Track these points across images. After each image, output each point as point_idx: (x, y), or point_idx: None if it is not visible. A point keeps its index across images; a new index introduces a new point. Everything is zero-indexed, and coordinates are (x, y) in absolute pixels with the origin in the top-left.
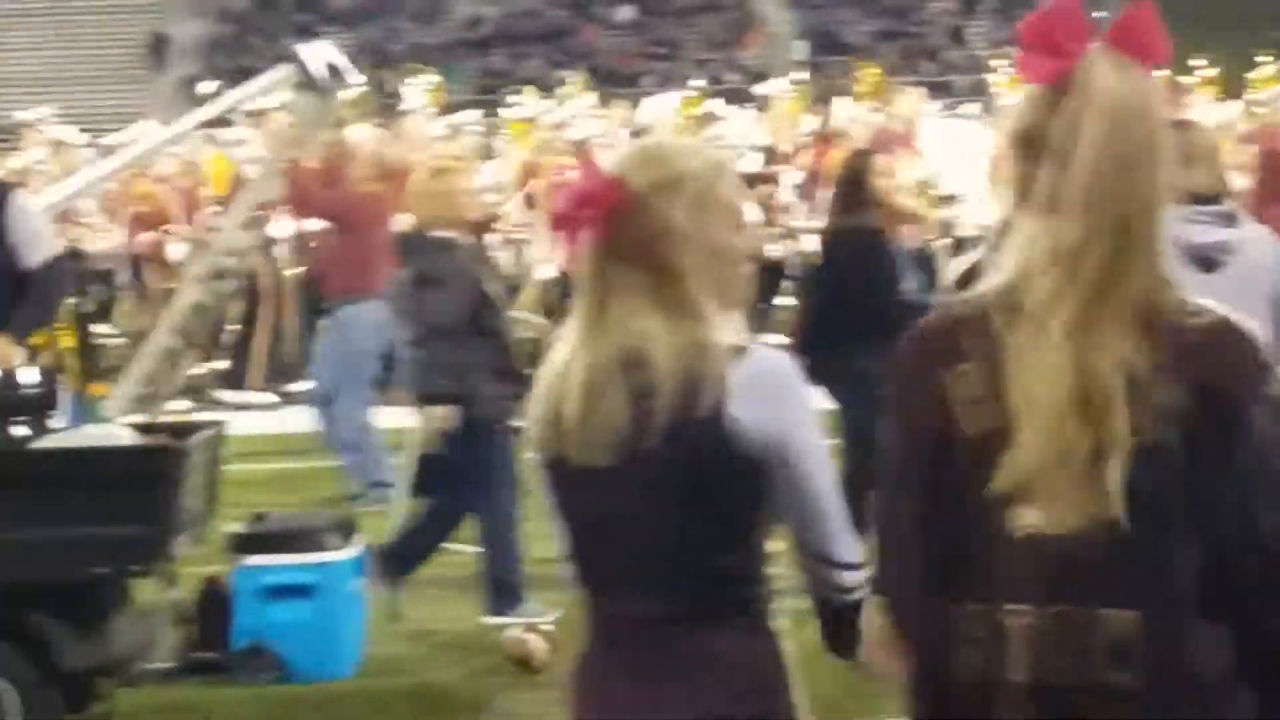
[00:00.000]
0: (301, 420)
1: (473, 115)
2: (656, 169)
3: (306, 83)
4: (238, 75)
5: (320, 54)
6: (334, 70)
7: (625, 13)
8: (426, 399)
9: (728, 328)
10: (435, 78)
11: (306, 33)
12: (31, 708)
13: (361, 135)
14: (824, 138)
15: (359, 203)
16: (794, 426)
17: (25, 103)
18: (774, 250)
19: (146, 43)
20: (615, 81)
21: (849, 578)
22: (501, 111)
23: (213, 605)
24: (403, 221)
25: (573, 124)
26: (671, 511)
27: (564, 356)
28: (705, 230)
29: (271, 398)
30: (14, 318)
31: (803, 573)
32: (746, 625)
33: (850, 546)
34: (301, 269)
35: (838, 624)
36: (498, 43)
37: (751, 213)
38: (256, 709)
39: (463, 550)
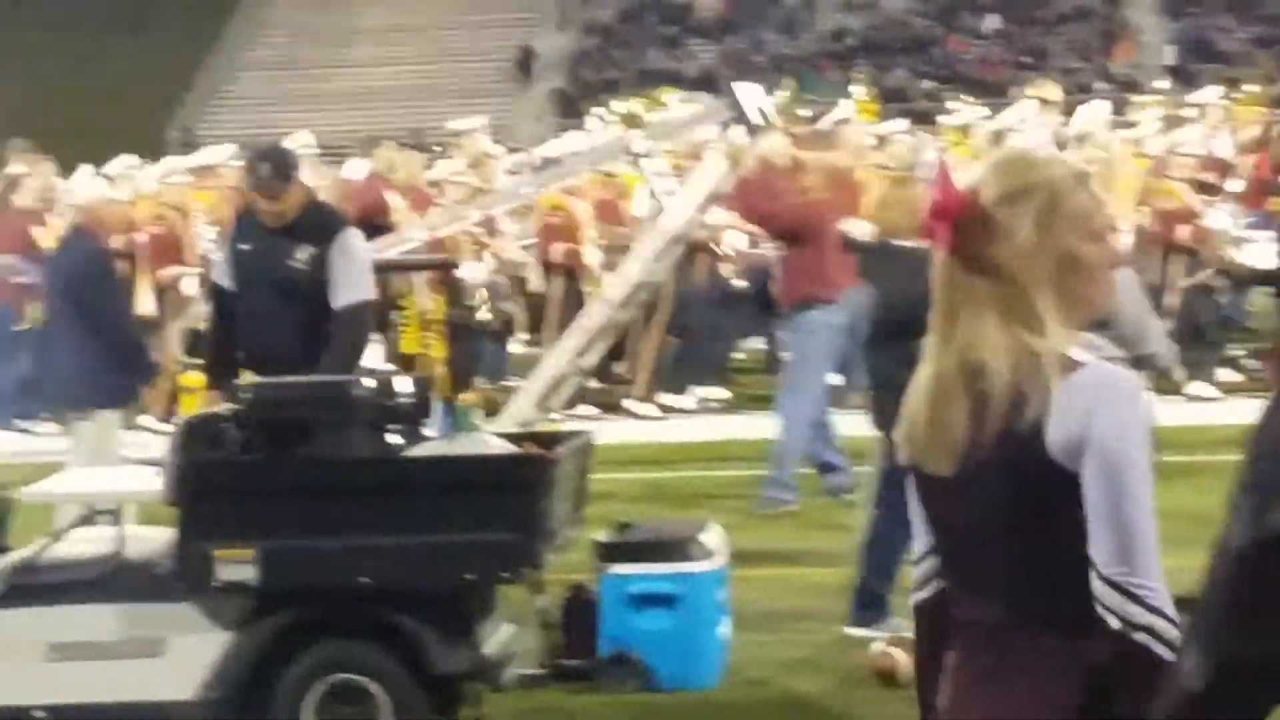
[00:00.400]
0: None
1: (901, 124)
2: (1009, 179)
3: (738, 119)
4: (603, 89)
5: (754, 97)
6: (763, 114)
7: (991, 22)
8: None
9: (1068, 339)
10: (860, 89)
11: (672, 45)
12: (401, 710)
13: (776, 144)
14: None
15: (813, 212)
16: (1113, 440)
17: (392, 115)
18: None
19: (514, 56)
20: (981, 91)
21: (1139, 614)
22: (940, 119)
23: (579, 613)
24: (859, 230)
25: (1018, 130)
26: (1001, 519)
27: (923, 367)
28: (1054, 240)
29: (653, 409)
30: (322, 362)
31: (1096, 598)
32: (1076, 630)
33: (1150, 576)
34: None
35: (1124, 668)
36: (862, 54)
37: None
38: (621, 716)
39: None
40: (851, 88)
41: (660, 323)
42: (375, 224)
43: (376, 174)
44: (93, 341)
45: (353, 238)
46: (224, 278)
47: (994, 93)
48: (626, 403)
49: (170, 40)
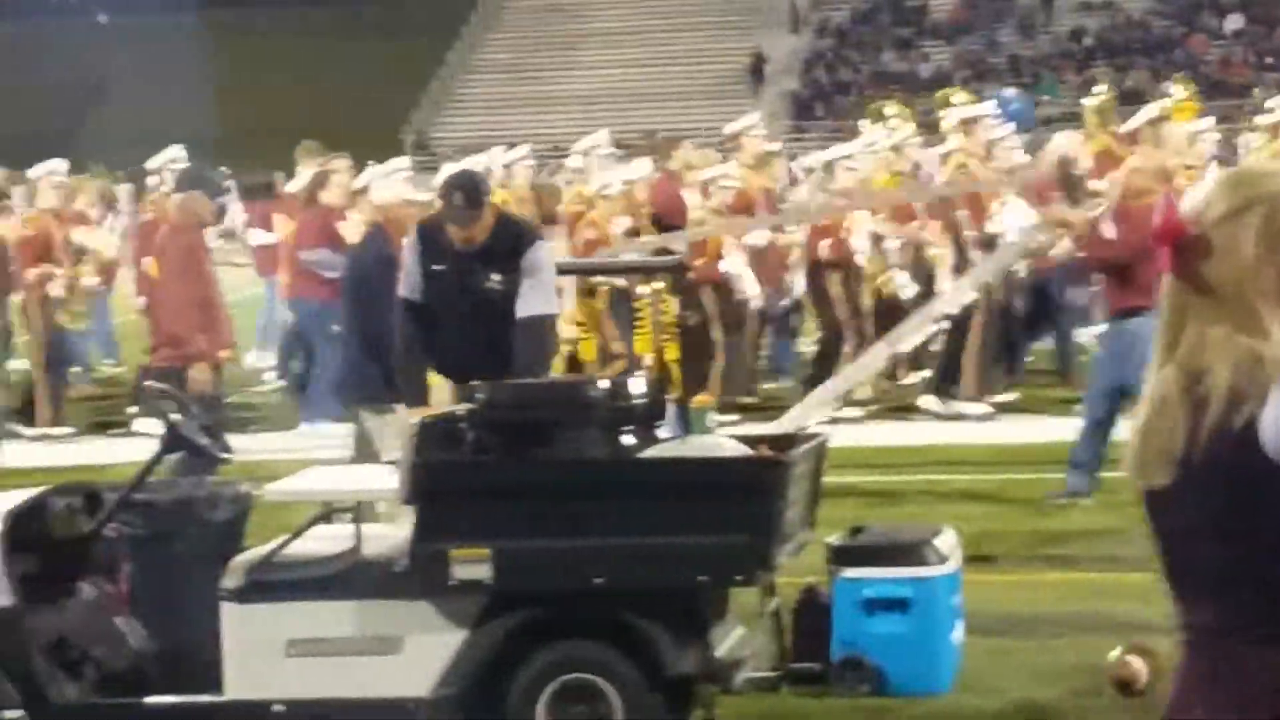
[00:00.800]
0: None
1: (1207, 122)
2: (1231, 195)
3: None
4: (835, 90)
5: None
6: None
7: (1233, 22)
8: None
9: None
10: (1180, 90)
11: (905, 47)
12: (634, 711)
13: (1066, 141)
14: None
15: (1142, 231)
16: None
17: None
18: None
19: (745, 59)
20: (1222, 92)
21: None
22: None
23: (812, 616)
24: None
25: None
26: (1215, 522)
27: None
28: (1277, 255)
29: (984, 408)
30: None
31: None
32: None
33: None
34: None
35: None
36: (1099, 55)
37: None
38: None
39: None
40: (1096, 88)
41: (981, 324)
42: (668, 224)
43: (671, 172)
44: (367, 338)
45: (542, 251)
46: (415, 292)
47: (1235, 94)
48: (923, 401)
49: (404, 45)
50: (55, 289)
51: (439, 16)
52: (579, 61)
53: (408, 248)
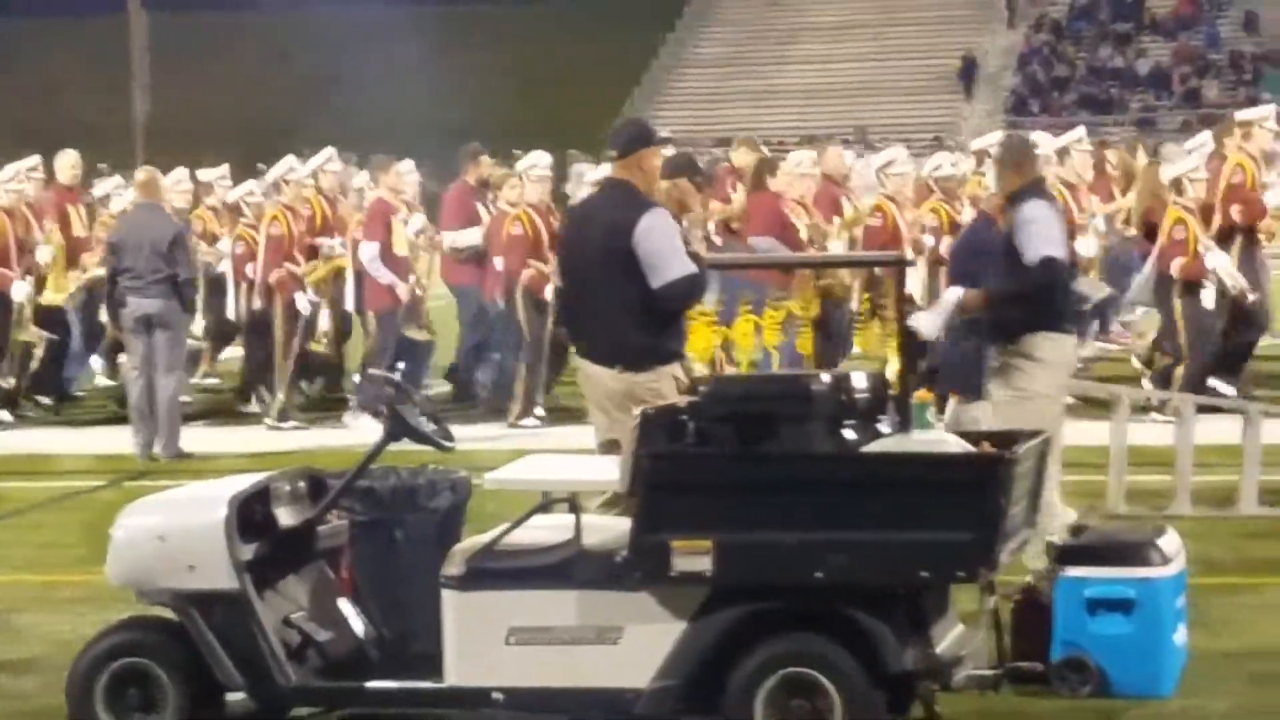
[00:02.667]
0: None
1: None
2: None
3: None
4: (1052, 86)
5: None
6: None
7: None
8: None
9: None
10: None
11: (1124, 42)
12: (854, 707)
13: None
14: None
15: None
16: None
17: (834, 113)
18: None
19: (961, 54)
20: None
21: None
22: None
23: (1032, 615)
24: None
25: None
26: None
27: None
28: None
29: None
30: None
31: None
32: None
33: None
34: None
35: None
36: None
37: None
38: None
39: None
40: None
41: None
42: None
43: None
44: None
45: (654, 218)
46: None
47: None
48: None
49: (618, 39)
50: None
51: (653, 10)
52: (794, 56)
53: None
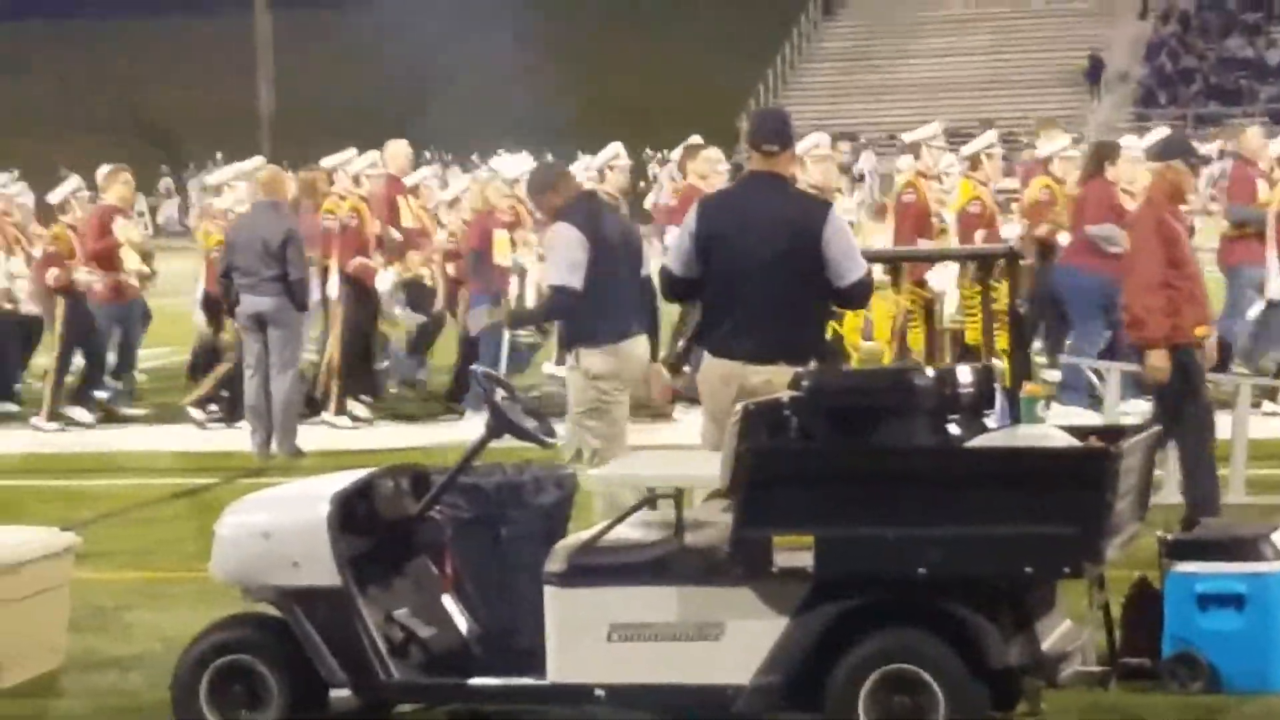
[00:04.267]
0: None
1: None
2: None
3: None
4: (1179, 79)
5: None
6: None
7: None
8: None
9: None
10: None
11: (1254, 33)
12: (958, 703)
13: None
14: None
15: None
16: None
17: (959, 107)
18: None
19: (1087, 47)
20: None
21: None
22: None
23: (1142, 610)
24: None
25: None
26: None
27: None
28: None
29: None
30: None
31: None
32: None
33: None
34: None
35: None
36: None
37: None
38: (1186, 718)
39: None
40: None
41: None
42: None
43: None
44: None
45: (838, 216)
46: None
47: None
48: None
49: (740, 33)
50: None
51: (776, 5)
52: (918, 49)
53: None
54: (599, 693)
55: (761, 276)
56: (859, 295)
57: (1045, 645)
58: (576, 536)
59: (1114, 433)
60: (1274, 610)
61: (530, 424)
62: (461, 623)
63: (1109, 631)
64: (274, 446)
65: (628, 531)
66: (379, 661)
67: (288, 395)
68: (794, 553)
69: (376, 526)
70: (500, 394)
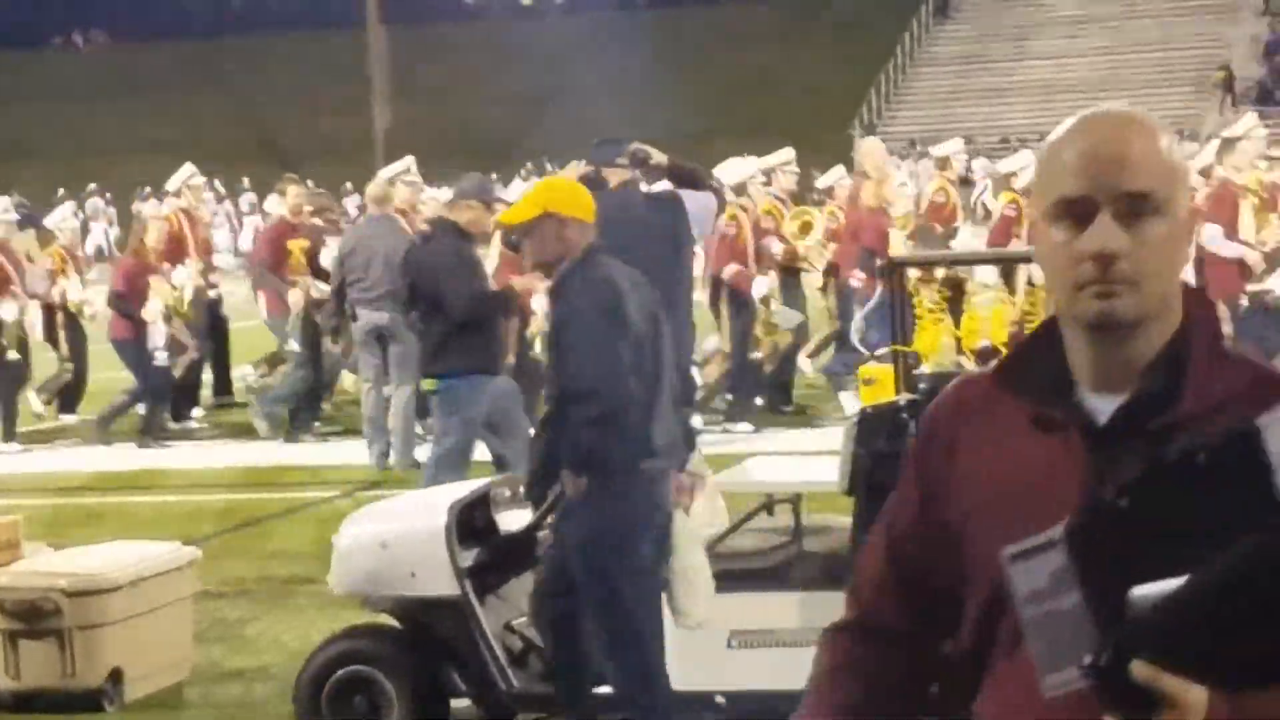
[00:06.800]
0: None
1: None
2: None
3: None
4: None
5: None
6: None
7: None
8: None
9: None
10: None
11: None
12: None
13: None
14: None
15: None
16: None
17: (1074, 109)
18: None
19: (1208, 46)
20: None
21: None
22: None
23: None
24: None
25: None
26: None
27: None
28: None
29: None
30: None
31: None
32: None
33: None
34: None
35: None
36: None
37: None
38: None
39: None
40: None
41: None
42: None
43: None
44: None
45: None
46: None
47: None
48: None
49: (853, 37)
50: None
51: (887, 9)
52: (1033, 51)
53: None
54: (719, 700)
55: None
56: None
57: None
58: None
59: None
60: None
61: None
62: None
63: None
64: (391, 459)
65: (748, 537)
66: (499, 671)
67: (405, 408)
68: None
69: (494, 536)
70: None
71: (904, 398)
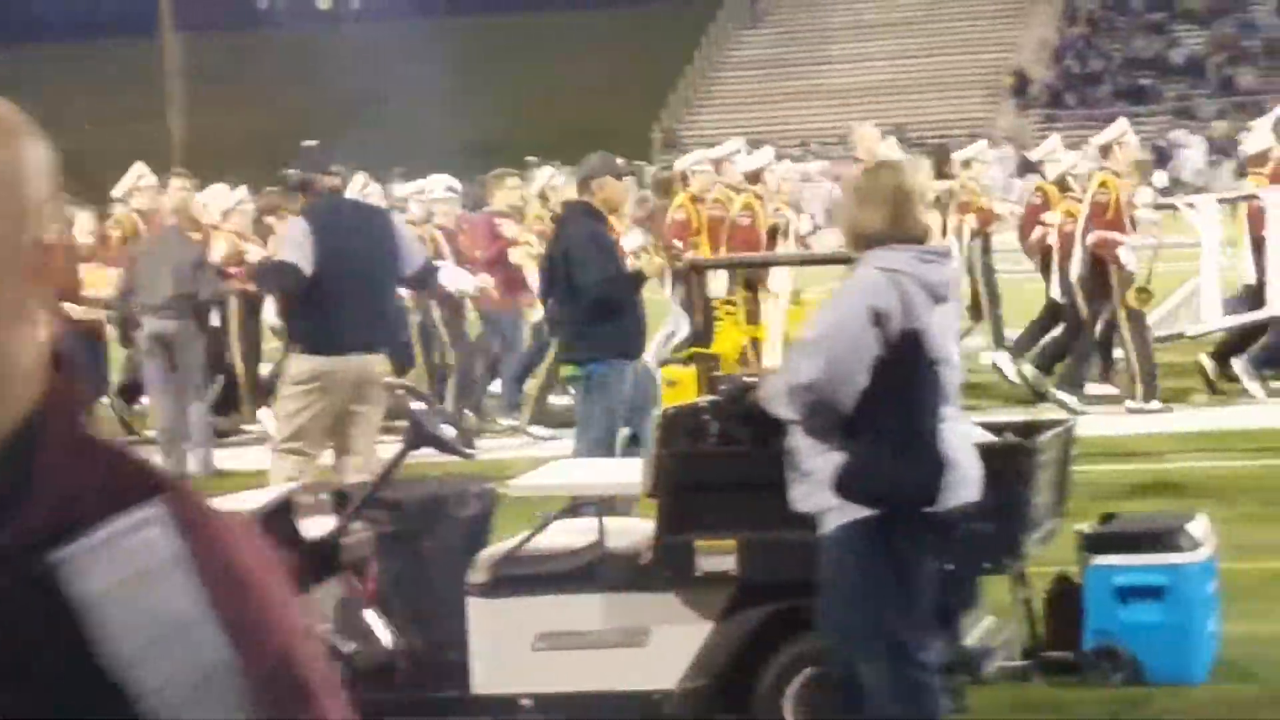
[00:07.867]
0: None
1: None
2: None
3: None
4: (1086, 82)
5: None
6: None
7: None
8: None
9: None
10: None
11: (1157, 31)
12: None
13: None
14: None
15: None
16: None
17: (870, 112)
18: None
19: (999, 51)
20: None
21: None
22: None
23: (1064, 604)
24: None
25: None
26: None
27: None
28: None
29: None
30: None
31: None
32: None
33: None
34: None
35: None
36: None
37: None
38: (1108, 710)
39: None
40: None
41: None
42: None
43: None
44: None
45: None
46: None
47: None
48: None
49: (652, 42)
50: None
51: (684, 15)
52: (832, 55)
53: None
54: (525, 702)
55: None
56: None
57: (967, 641)
58: (498, 547)
59: (1031, 428)
60: (1193, 601)
61: (450, 436)
62: (385, 637)
63: (1031, 626)
64: (191, 465)
65: (551, 540)
66: None
67: (203, 415)
68: (717, 557)
69: (297, 543)
70: (418, 405)
71: (706, 400)
